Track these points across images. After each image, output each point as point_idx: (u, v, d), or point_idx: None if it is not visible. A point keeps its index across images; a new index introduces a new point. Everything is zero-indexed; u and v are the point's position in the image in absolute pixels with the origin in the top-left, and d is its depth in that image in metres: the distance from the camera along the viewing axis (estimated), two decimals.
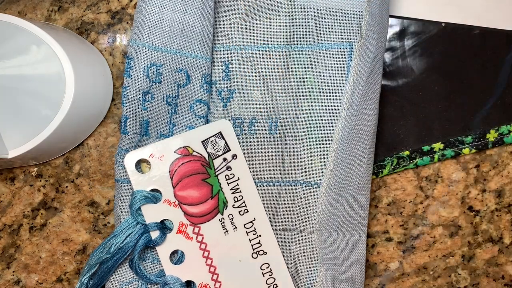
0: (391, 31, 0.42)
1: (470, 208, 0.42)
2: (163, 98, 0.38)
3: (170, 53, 0.37)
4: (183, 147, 0.38)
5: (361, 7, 0.37)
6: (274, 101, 0.38)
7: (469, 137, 0.41)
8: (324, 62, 0.38)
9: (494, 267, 0.42)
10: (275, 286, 0.37)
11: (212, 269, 0.37)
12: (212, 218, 0.37)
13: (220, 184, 0.38)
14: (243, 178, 0.38)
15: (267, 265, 0.37)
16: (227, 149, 0.38)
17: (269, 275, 0.37)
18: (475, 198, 0.42)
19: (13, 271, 0.43)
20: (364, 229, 0.39)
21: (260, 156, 0.38)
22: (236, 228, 0.37)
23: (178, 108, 0.38)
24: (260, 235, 0.38)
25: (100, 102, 0.41)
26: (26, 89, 0.37)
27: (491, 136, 0.41)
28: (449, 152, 0.41)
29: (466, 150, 0.41)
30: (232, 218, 0.37)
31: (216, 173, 0.38)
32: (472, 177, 0.42)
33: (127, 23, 0.43)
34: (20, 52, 0.37)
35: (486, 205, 0.42)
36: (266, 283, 0.37)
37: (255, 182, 0.38)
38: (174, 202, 0.37)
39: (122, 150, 0.38)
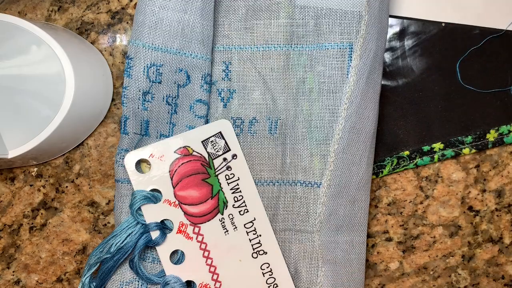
0: (391, 31, 0.42)
1: (470, 208, 0.42)
2: (163, 98, 0.38)
3: (170, 53, 0.37)
4: (183, 147, 0.38)
5: (360, 7, 0.37)
6: (274, 101, 0.39)
7: (469, 137, 0.41)
8: (324, 62, 0.38)
9: (494, 267, 0.42)
10: (275, 286, 0.37)
11: (212, 269, 0.37)
12: (212, 218, 0.37)
13: (220, 184, 0.38)
14: (243, 178, 0.38)
15: (267, 265, 0.37)
16: (227, 149, 0.38)
17: (269, 275, 0.37)
18: (475, 198, 0.42)
19: (13, 271, 0.43)
20: (364, 229, 0.39)
21: (260, 156, 0.38)
22: (236, 228, 0.37)
23: (178, 108, 0.38)
24: (260, 235, 0.38)
25: (100, 102, 0.41)
26: (26, 89, 0.37)
27: (491, 136, 0.41)
28: (449, 152, 0.41)
29: (466, 150, 0.41)
30: (232, 218, 0.37)
31: (216, 173, 0.38)
32: (472, 177, 0.42)
33: (127, 23, 0.43)
34: (20, 52, 0.37)
35: (486, 205, 0.42)
36: (266, 283, 0.37)
37: (255, 182, 0.38)
38: (174, 202, 0.37)
39: (122, 150, 0.38)
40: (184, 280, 0.37)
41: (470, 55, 0.41)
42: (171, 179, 0.37)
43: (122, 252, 0.37)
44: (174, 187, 0.37)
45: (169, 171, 0.37)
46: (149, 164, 0.37)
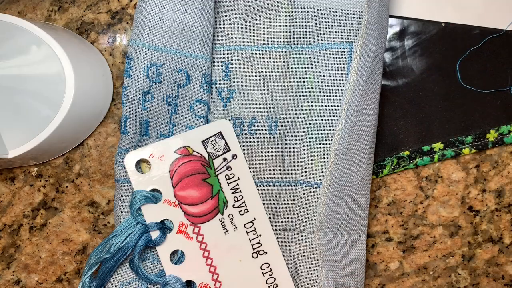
0: (391, 31, 0.42)
1: (470, 208, 0.42)
2: (163, 98, 0.38)
3: (170, 53, 0.37)
4: (183, 147, 0.38)
5: (360, 7, 0.37)
6: (274, 101, 0.39)
7: (469, 137, 0.41)
8: (324, 62, 0.38)
9: (494, 267, 0.42)
10: (275, 286, 0.37)
11: (212, 269, 0.37)
12: (212, 218, 0.37)
13: (220, 184, 0.38)
14: (243, 178, 0.38)
15: (267, 265, 0.37)
16: (227, 149, 0.38)
17: (269, 275, 0.37)
18: (475, 198, 0.42)
19: (13, 271, 0.43)
20: (364, 229, 0.39)
21: (260, 156, 0.38)
22: (236, 228, 0.37)
23: (178, 108, 0.38)
24: (260, 235, 0.38)
25: (100, 102, 0.41)
26: (26, 89, 0.37)
27: (491, 136, 0.41)
28: (449, 152, 0.41)
29: (466, 150, 0.41)
30: (232, 218, 0.37)
31: (216, 173, 0.38)
32: (472, 177, 0.42)
33: (127, 23, 0.43)
34: (20, 52, 0.37)
35: (486, 205, 0.42)
36: (266, 283, 0.37)
37: (255, 182, 0.38)
38: (174, 202, 0.37)
39: (122, 150, 0.38)
40: (184, 280, 0.37)
41: (470, 55, 0.41)
42: (171, 179, 0.37)
43: (122, 252, 0.37)
44: (174, 187, 0.37)
45: (169, 171, 0.37)
46: (149, 164, 0.37)
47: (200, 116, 0.38)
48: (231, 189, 0.38)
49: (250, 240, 0.38)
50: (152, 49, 0.37)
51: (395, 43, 0.42)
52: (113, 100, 0.42)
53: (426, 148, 0.41)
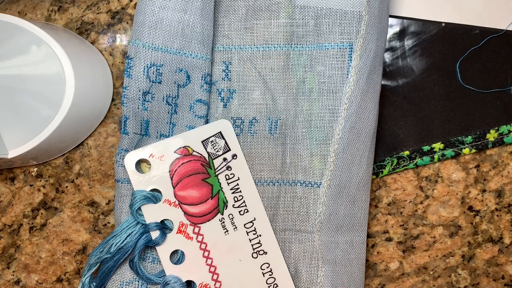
0: (391, 31, 0.42)
1: (470, 208, 0.42)
2: (163, 98, 0.38)
3: (170, 53, 0.37)
4: (183, 147, 0.38)
5: (360, 7, 0.37)
6: (274, 101, 0.39)
7: (469, 137, 0.41)
8: (324, 62, 0.38)
9: (494, 267, 0.42)
10: (275, 286, 0.37)
11: (212, 269, 0.37)
12: (212, 218, 0.37)
13: (220, 184, 0.38)
14: (243, 178, 0.38)
15: (267, 265, 0.37)
16: (227, 149, 0.38)
17: (269, 275, 0.37)
18: (475, 198, 0.42)
19: (13, 271, 0.43)
20: (364, 229, 0.39)
21: (260, 156, 0.38)
22: (236, 228, 0.37)
23: (178, 108, 0.38)
24: (260, 235, 0.38)
25: (100, 102, 0.41)
26: (26, 89, 0.37)
27: (491, 136, 0.41)
28: (449, 152, 0.41)
29: (466, 150, 0.41)
30: (232, 218, 0.38)
31: (216, 173, 0.38)
32: (472, 177, 0.42)
33: (127, 23, 0.43)
34: (20, 52, 0.37)
35: (486, 205, 0.42)
36: (266, 283, 0.37)
37: (255, 182, 0.38)
38: (174, 202, 0.37)
39: (122, 150, 0.38)
40: (184, 280, 0.37)
41: (470, 55, 0.41)
42: (171, 179, 0.37)
43: (122, 252, 0.37)
44: (174, 187, 0.37)
45: (169, 171, 0.37)
46: (149, 164, 0.37)
47: (200, 116, 0.38)
48: (231, 189, 0.38)
49: (250, 240, 0.38)
50: (152, 49, 0.37)
51: (395, 43, 0.42)
52: (113, 100, 0.42)
53: (426, 148, 0.41)
